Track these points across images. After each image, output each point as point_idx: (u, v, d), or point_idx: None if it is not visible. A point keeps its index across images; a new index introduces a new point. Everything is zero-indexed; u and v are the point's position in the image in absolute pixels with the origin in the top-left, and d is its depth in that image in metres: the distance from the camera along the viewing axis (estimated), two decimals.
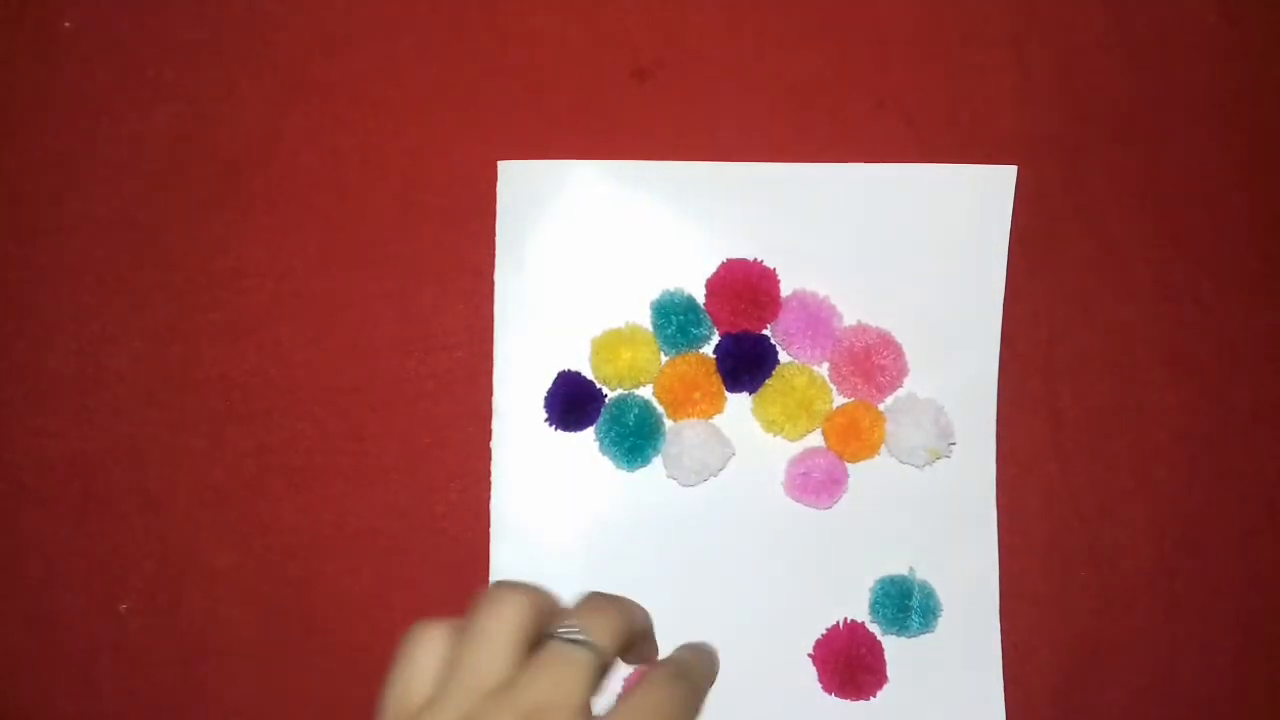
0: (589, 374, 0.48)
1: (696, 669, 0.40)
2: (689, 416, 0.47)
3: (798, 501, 0.47)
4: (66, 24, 0.50)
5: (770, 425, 0.47)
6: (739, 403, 0.48)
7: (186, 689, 0.48)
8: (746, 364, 0.47)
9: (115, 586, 0.48)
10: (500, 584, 0.37)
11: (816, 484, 0.47)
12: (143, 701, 0.48)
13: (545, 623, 0.36)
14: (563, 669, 0.35)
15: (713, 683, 0.41)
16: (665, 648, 0.47)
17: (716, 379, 0.47)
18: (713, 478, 0.47)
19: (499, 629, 0.35)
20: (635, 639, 0.38)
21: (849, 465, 0.47)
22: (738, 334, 0.47)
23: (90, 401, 0.48)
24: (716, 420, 0.48)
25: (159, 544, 0.48)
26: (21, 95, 0.49)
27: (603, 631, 0.36)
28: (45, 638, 0.48)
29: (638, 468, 0.47)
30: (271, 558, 0.48)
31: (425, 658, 0.36)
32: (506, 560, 0.48)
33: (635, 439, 0.47)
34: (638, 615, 0.39)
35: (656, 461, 0.48)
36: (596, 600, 0.37)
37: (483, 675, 0.35)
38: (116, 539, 0.48)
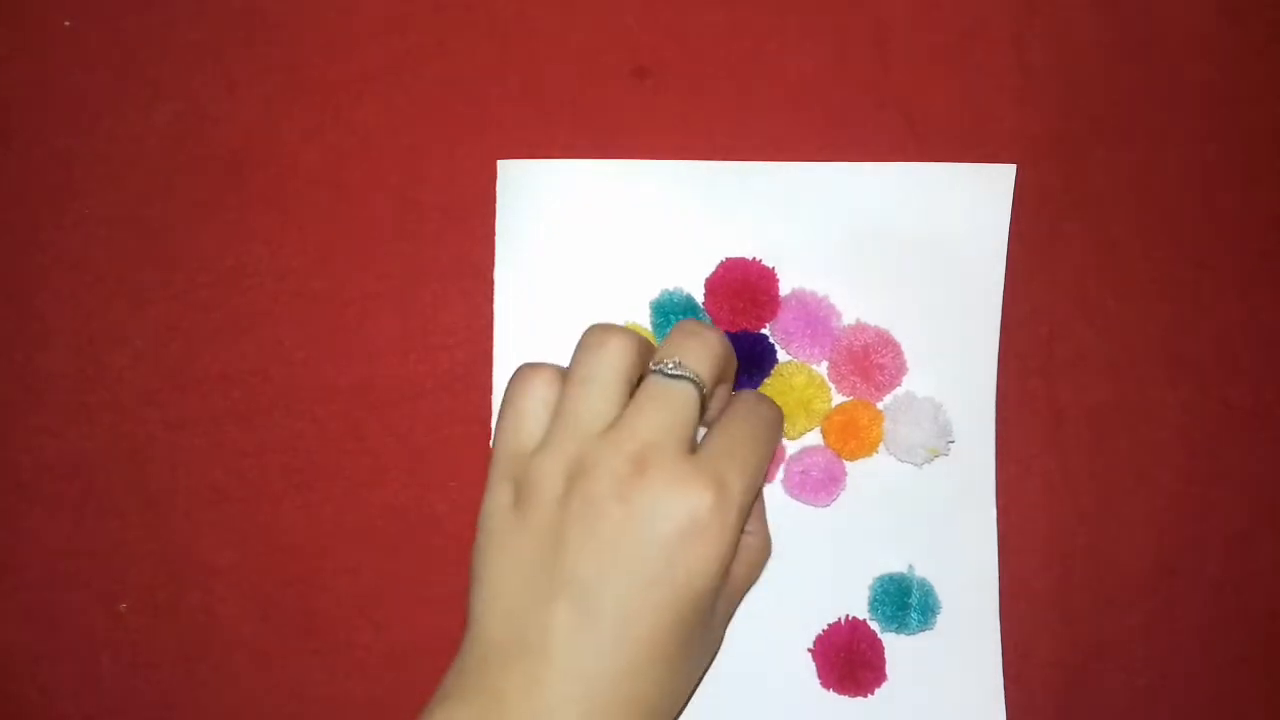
0: None
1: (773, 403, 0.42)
2: None
3: (796, 500, 0.47)
4: (66, 23, 0.50)
5: None
6: None
7: (186, 689, 0.48)
8: (745, 363, 0.47)
9: (115, 586, 0.48)
10: (598, 326, 0.38)
11: (815, 482, 0.47)
12: (142, 701, 0.48)
13: (645, 360, 0.37)
14: (666, 405, 0.36)
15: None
16: None
17: None
18: None
19: (601, 372, 0.37)
20: (729, 367, 0.39)
21: (847, 464, 0.47)
22: (736, 333, 0.47)
23: (90, 401, 0.48)
24: None
25: (159, 544, 0.48)
26: (21, 95, 0.50)
27: (699, 361, 0.36)
28: (44, 637, 0.48)
29: None
30: (271, 558, 0.48)
31: (532, 403, 0.37)
32: None
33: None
34: (727, 343, 0.39)
35: None
36: (689, 328, 0.38)
37: (591, 417, 0.36)
38: (116, 538, 0.48)
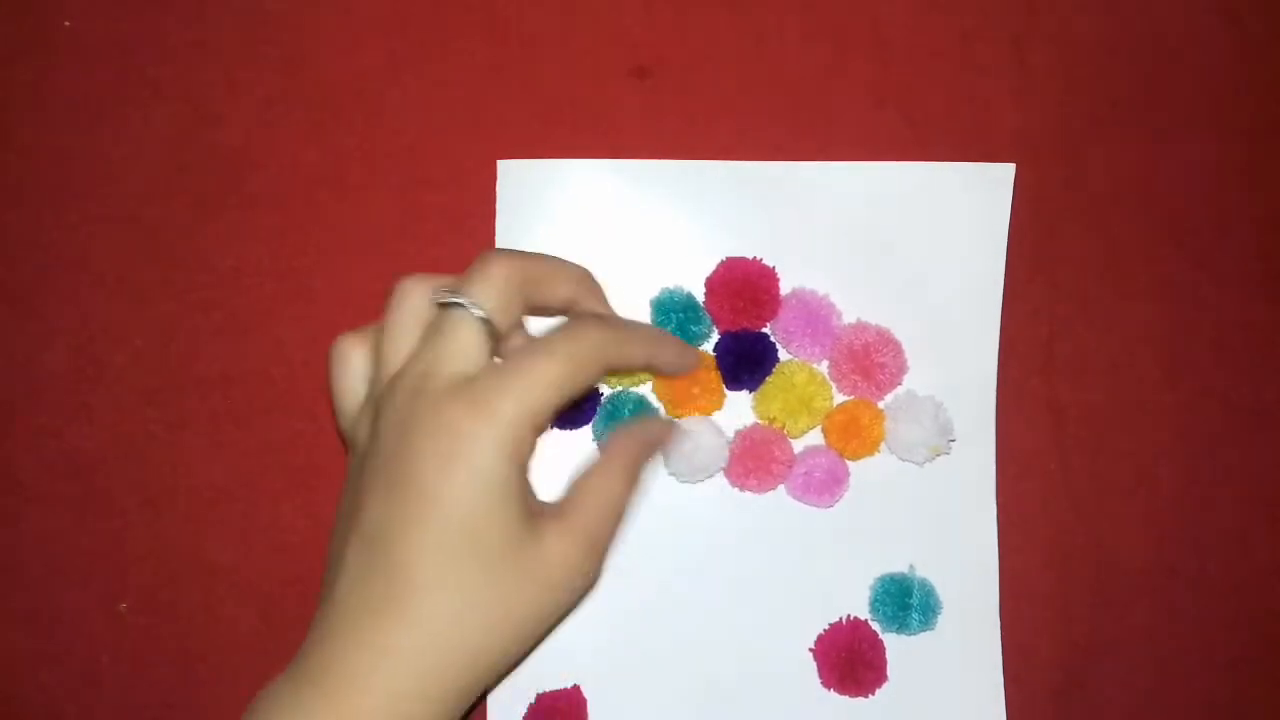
0: None
1: (628, 324, 0.42)
2: (688, 413, 0.47)
3: (800, 501, 0.47)
4: (66, 23, 0.50)
5: (770, 422, 0.47)
6: (739, 400, 0.48)
7: (187, 687, 0.48)
8: (746, 362, 0.47)
9: (115, 585, 0.48)
10: (400, 276, 0.39)
11: (818, 483, 0.47)
12: (142, 701, 0.48)
13: (446, 294, 0.37)
14: (439, 334, 0.36)
15: (663, 359, 0.42)
16: (665, 644, 0.47)
17: (715, 375, 0.47)
18: (712, 476, 0.47)
19: (392, 318, 0.38)
20: (544, 291, 0.39)
21: (849, 463, 0.47)
22: (737, 332, 0.47)
23: (90, 401, 0.48)
24: (716, 417, 0.48)
25: (159, 543, 0.48)
26: (21, 95, 0.50)
27: (481, 289, 0.37)
28: (44, 637, 0.48)
29: None
30: (271, 557, 0.48)
31: (344, 369, 0.39)
32: None
33: None
34: (543, 266, 0.39)
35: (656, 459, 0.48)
36: (484, 256, 0.38)
37: (389, 364, 0.37)
38: (116, 538, 0.48)
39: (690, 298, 0.47)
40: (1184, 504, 0.48)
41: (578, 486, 0.39)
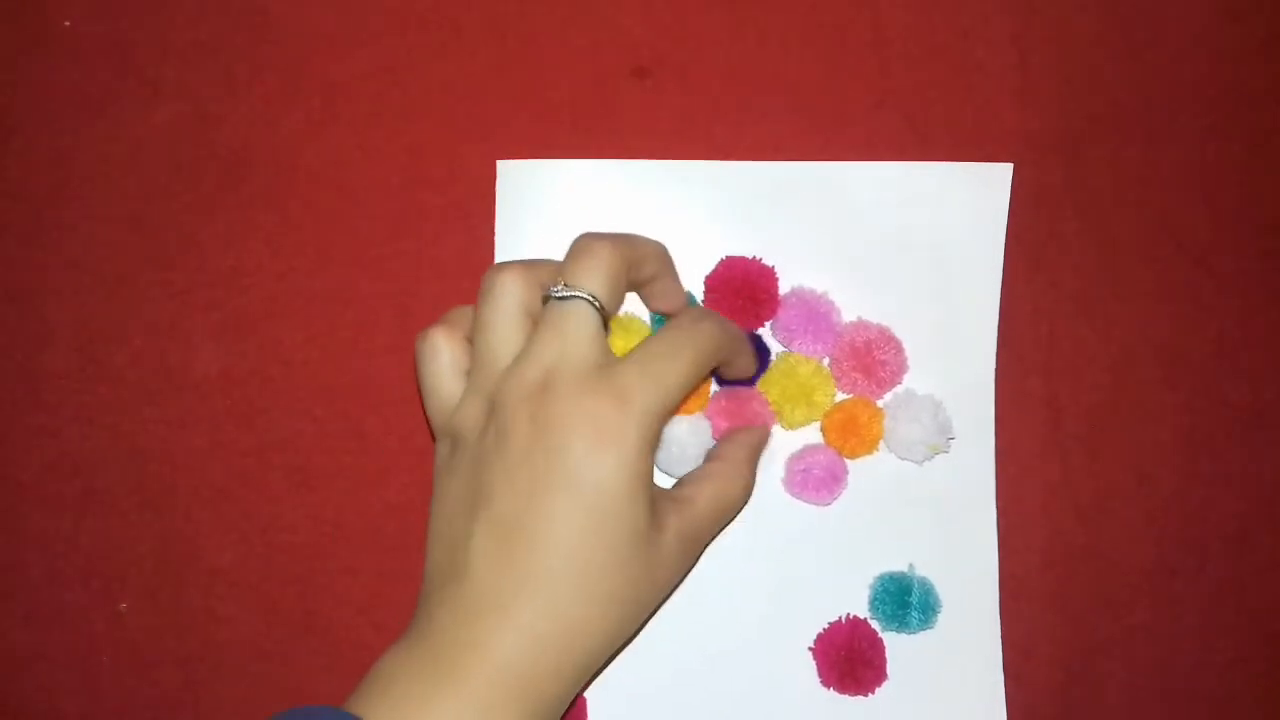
0: None
1: (722, 319, 0.42)
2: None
3: (798, 499, 0.47)
4: (66, 23, 0.50)
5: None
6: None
7: (187, 687, 0.48)
8: None
9: (114, 585, 0.48)
10: (494, 267, 0.39)
11: (817, 481, 0.47)
12: (142, 701, 0.48)
13: (542, 289, 0.38)
14: (559, 328, 0.37)
15: (740, 357, 0.43)
16: (664, 643, 0.47)
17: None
18: None
19: (495, 314, 0.38)
20: (638, 271, 0.40)
21: (848, 462, 0.47)
22: None
23: (90, 401, 0.48)
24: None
25: (159, 543, 0.48)
26: (21, 95, 0.50)
27: (590, 277, 0.37)
28: (44, 637, 0.48)
29: None
30: (271, 557, 0.48)
31: (439, 363, 0.39)
32: None
33: None
34: (636, 247, 0.40)
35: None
36: (584, 244, 0.39)
37: (494, 358, 0.38)
38: (116, 538, 0.48)
39: (690, 297, 0.47)
40: (1184, 504, 0.48)
41: (698, 482, 0.41)
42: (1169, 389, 0.48)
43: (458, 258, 0.49)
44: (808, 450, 0.47)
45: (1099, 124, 0.49)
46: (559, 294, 0.38)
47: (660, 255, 0.42)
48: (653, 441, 0.37)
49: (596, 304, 0.37)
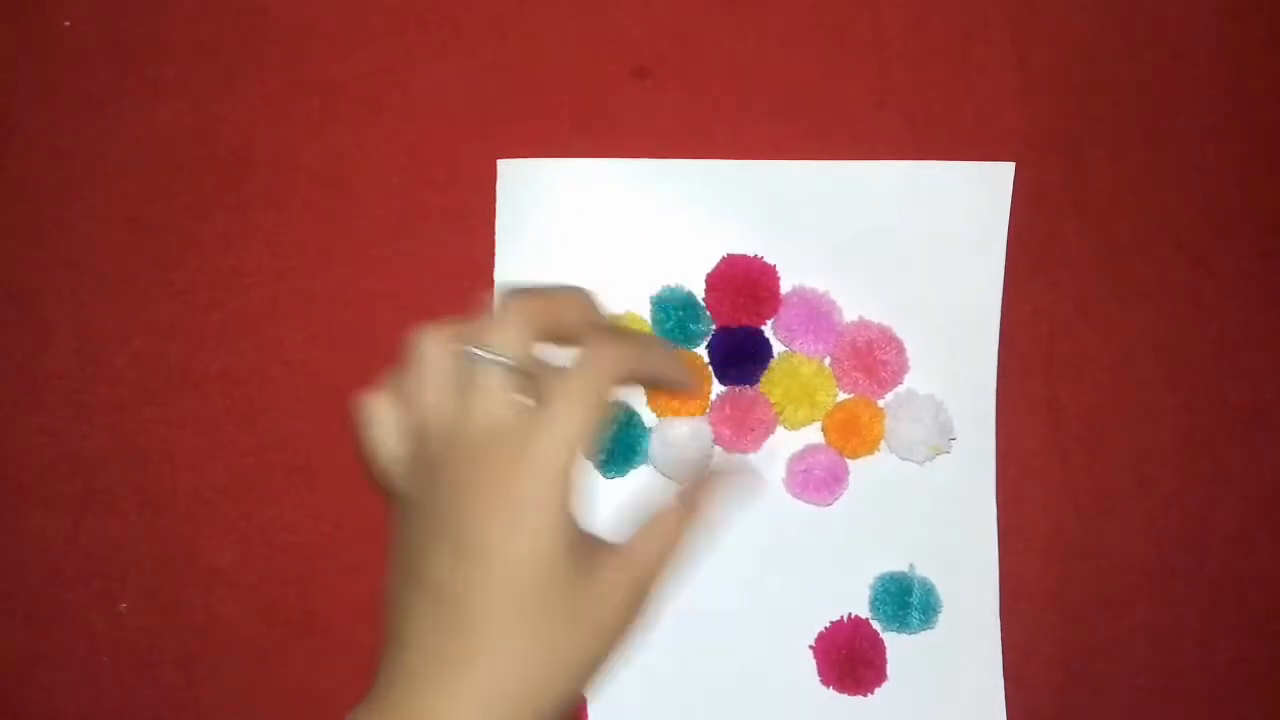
0: None
1: (642, 340, 0.42)
2: (669, 413, 0.47)
3: (799, 499, 0.47)
4: (66, 23, 0.50)
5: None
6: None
7: (186, 688, 0.48)
8: (736, 358, 0.47)
9: (115, 586, 0.48)
10: (419, 330, 0.38)
11: (818, 481, 0.47)
12: (142, 701, 0.48)
13: (462, 343, 0.38)
14: (474, 387, 0.37)
15: (668, 375, 0.42)
16: (665, 642, 0.47)
17: (698, 379, 0.47)
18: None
19: (421, 374, 0.38)
20: (549, 319, 0.39)
21: (849, 462, 0.47)
22: (731, 329, 0.47)
23: (90, 401, 0.48)
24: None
25: (159, 543, 0.48)
26: (21, 95, 0.50)
27: (502, 335, 0.37)
28: (45, 637, 0.48)
29: (615, 478, 0.48)
30: (271, 558, 0.48)
31: (378, 425, 0.39)
32: None
33: (610, 454, 0.47)
34: (553, 302, 0.39)
35: None
36: (510, 303, 0.38)
37: (428, 417, 0.37)
38: (116, 538, 0.48)
39: (690, 295, 0.47)
40: (1184, 504, 0.48)
41: (639, 531, 0.40)
42: (1169, 389, 0.48)
43: (458, 258, 0.49)
44: (809, 451, 0.47)
45: (1099, 124, 0.49)
46: (471, 355, 0.37)
47: (584, 304, 0.41)
48: (561, 495, 0.36)
49: (505, 361, 0.37)
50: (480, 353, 0.37)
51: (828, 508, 0.48)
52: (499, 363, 0.37)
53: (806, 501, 0.47)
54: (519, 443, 0.36)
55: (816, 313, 0.47)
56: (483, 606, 0.36)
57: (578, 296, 0.42)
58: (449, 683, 0.35)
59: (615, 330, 0.42)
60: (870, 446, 0.47)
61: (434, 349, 0.38)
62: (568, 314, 0.41)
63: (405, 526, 0.38)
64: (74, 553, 0.48)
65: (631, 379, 0.40)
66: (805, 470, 0.47)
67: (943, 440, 0.46)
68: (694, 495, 0.42)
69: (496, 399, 0.37)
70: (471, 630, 0.36)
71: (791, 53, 0.49)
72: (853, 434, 0.47)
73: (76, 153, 0.49)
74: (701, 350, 0.48)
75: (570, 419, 0.37)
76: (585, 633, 0.38)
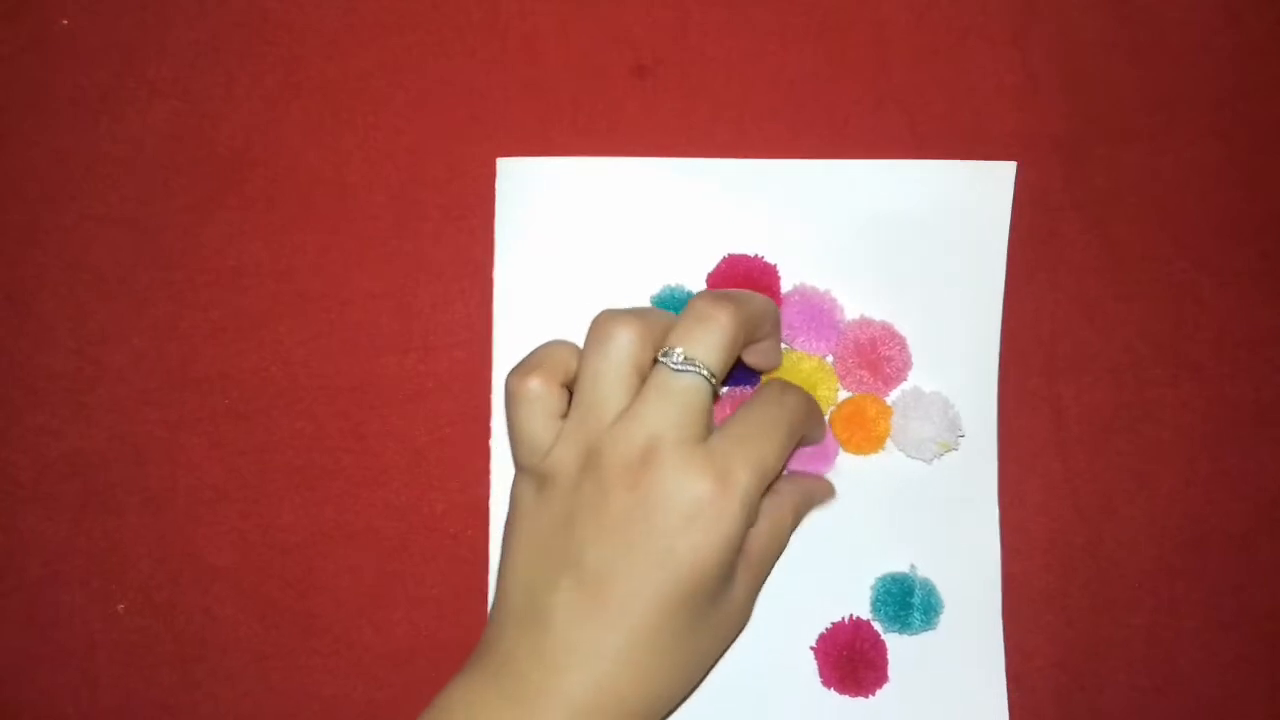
0: None
1: (807, 395, 0.43)
2: None
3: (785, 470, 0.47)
4: (64, 22, 0.50)
5: None
6: None
7: (186, 689, 0.47)
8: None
9: (114, 586, 0.48)
10: (606, 315, 0.39)
11: (807, 455, 0.46)
12: (141, 701, 0.48)
13: (655, 344, 0.38)
14: (670, 398, 0.37)
15: (818, 423, 0.44)
16: None
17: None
18: None
19: (608, 366, 0.38)
20: (752, 335, 0.39)
21: (852, 459, 0.47)
22: None
23: (90, 401, 0.48)
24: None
25: (158, 543, 0.48)
26: (20, 94, 0.49)
27: (708, 350, 0.37)
28: (43, 637, 0.48)
29: None
30: (271, 558, 0.48)
31: (534, 407, 0.39)
32: None
33: None
34: (753, 312, 0.40)
35: None
36: (699, 310, 0.38)
37: (600, 411, 0.38)
38: (115, 538, 0.48)
39: (691, 295, 0.47)
40: (1185, 504, 0.48)
41: (754, 532, 0.41)
42: (1170, 389, 0.48)
43: (458, 257, 0.49)
44: None
45: (1100, 124, 0.49)
46: (676, 365, 0.37)
47: (773, 317, 0.42)
48: (751, 520, 0.38)
49: (712, 380, 0.37)
50: (681, 365, 0.37)
51: (828, 508, 0.47)
52: (705, 380, 0.37)
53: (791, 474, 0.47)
54: (719, 462, 0.36)
55: (818, 311, 0.47)
56: (652, 605, 0.36)
57: (771, 312, 0.41)
58: (587, 668, 0.36)
59: (791, 386, 0.42)
60: (876, 444, 0.47)
61: (626, 343, 0.38)
62: (764, 328, 0.41)
63: (554, 513, 0.38)
64: (72, 553, 0.48)
65: (809, 425, 0.42)
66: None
67: (952, 437, 0.46)
68: (792, 493, 0.43)
69: (701, 414, 0.37)
70: (626, 623, 0.36)
71: (792, 52, 0.49)
72: (858, 427, 0.46)
73: (76, 153, 0.49)
74: None
75: (769, 450, 0.38)
76: (721, 638, 0.40)
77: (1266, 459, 0.48)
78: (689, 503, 0.36)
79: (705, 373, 0.37)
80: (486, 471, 0.48)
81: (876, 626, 0.47)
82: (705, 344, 0.38)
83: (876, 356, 0.46)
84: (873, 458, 0.47)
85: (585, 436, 0.38)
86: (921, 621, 0.46)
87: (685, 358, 0.37)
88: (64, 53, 0.50)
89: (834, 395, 0.47)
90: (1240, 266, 0.49)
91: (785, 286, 0.48)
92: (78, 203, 0.49)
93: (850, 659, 0.46)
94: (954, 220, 0.48)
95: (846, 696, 0.47)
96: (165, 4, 0.50)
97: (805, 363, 0.47)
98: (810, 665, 0.47)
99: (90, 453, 0.48)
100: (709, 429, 0.38)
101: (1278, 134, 0.49)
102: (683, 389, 0.37)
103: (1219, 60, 0.50)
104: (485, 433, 0.48)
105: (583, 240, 0.48)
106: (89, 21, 0.50)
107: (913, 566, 0.47)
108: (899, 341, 0.47)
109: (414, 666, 0.47)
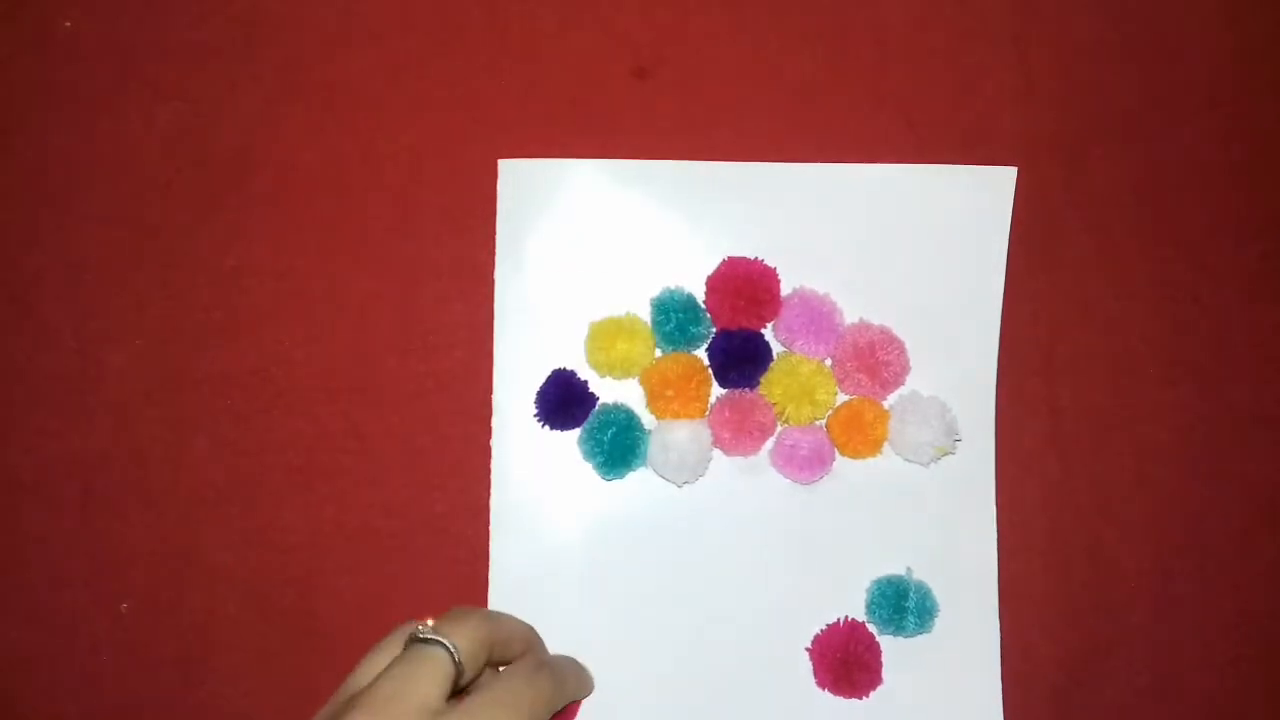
0: (585, 360, 0.48)
1: (563, 670, 0.44)
2: (668, 415, 0.47)
3: (781, 474, 0.47)
4: (66, 23, 0.50)
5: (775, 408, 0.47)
6: None
7: (187, 688, 0.48)
8: (736, 361, 0.47)
9: (115, 586, 0.48)
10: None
11: (802, 460, 0.46)
12: (143, 700, 0.48)
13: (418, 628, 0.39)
14: (412, 665, 0.38)
15: (580, 693, 0.46)
16: (660, 643, 0.47)
17: (698, 381, 0.47)
18: (705, 476, 0.47)
19: (374, 655, 0.40)
20: (505, 650, 0.42)
21: (849, 463, 0.47)
22: (731, 331, 0.47)
23: (90, 401, 0.48)
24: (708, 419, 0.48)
25: (159, 543, 0.48)
26: (21, 95, 0.50)
27: (459, 633, 0.39)
28: (46, 637, 0.48)
29: (614, 479, 0.48)
30: (271, 557, 0.48)
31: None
32: (506, 559, 0.48)
33: (609, 455, 0.47)
34: (503, 623, 0.42)
35: None
36: (459, 610, 0.41)
37: (359, 681, 0.39)
38: (117, 538, 0.48)
39: (691, 298, 0.47)
40: (1183, 504, 0.48)
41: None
42: (1169, 389, 0.48)
43: (458, 257, 0.49)
44: (801, 429, 0.47)
45: (1099, 125, 0.49)
46: (422, 635, 0.38)
47: (526, 637, 0.43)
48: None
49: (455, 655, 0.38)
50: (432, 635, 0.38)
51: (828, 508, 0.47)
52: (446, 647, 0.38)
53: (787, 478, 0.47)
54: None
55: (817, 315, 0.47)
56: None
57: (526, 634, 0.44)
58: None
59: (551, 666, 0.43)
60: (873, 448, 0.47)
61: (394, 636, 0.40)
62: (515, 647, 0.43)
63: None
64: (75, 553, 0.48)
65: (554, 707, 0.41)
66: (791, 445, 0.47)
67: (949, 441, 0.46)
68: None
69: (434, 678, 0.37)
70: None
71: (792, 54, 0.49)
72: (856, 431, 0.46)
73: (76, 153, 0.49)
74: (701, 353, 0.48)
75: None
76: None
77: (1265, 459, 0.48)
78: None
79: (448, 645, 0.38)
80: (486, 471, 0.48)
81: (871, 629, 0.47)
82: (454, 627, 0.39)
83: (875, 361, 0.46)
84: (870, 461, 0.47)
85: (332, 709, 0.39)
86: (916, 624, 0.46)
87: (431, 629, 0.39)
88: (65, 53, 0.50)
89: (832, 399, 0.47)
90: (1239, 267, 0.49)
91: (785, 289, 0.48)
92: (78, 203, 0.49)
93: (845, 661, 0.46)
94: (953, 225, 0.48)
95: (840, 698, 0.47)
96: (166, 5, 0.50)
97: (803, 366, 0.47)
98: (805, 666, 0.47)
99: (91, 453, 0.48)
100: (442, 704, 0.38)
101: (1277, 135, 0.49)
102: (423, 657, 0.38)
103: (1218, 61, 0.50)
104: (485, 433, 0.48)
105: (583, 241, 0.48)
106: (91, 22, 0.50)
107: (909, 569, 0.47)
108: (898, 346, 0.47)
109: None
